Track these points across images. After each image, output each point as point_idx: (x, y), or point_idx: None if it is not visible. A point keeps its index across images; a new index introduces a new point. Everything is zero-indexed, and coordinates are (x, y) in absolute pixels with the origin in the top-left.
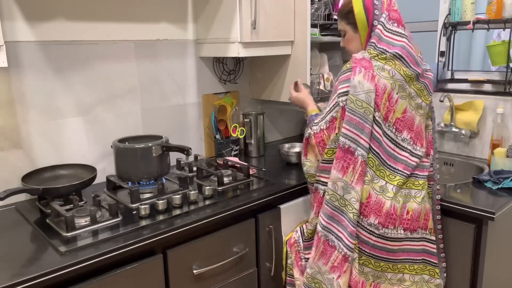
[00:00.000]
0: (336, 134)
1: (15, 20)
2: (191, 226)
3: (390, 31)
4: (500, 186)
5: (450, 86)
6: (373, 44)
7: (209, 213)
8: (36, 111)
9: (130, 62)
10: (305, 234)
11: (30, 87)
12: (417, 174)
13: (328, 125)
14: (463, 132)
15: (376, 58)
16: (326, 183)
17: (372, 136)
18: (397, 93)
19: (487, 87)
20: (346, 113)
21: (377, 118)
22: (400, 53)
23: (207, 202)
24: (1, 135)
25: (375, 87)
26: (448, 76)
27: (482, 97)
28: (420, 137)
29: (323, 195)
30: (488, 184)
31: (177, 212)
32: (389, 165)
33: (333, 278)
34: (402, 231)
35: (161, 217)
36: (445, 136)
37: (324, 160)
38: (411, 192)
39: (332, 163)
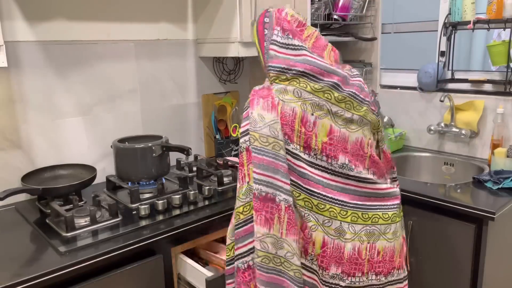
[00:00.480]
0: (248, 183)
1: (15, 20)
2: (191, 226)
3: (285, 46)
4: (500, 186)
5: (450, 86)
6: (270, 67)
7: (209, 213)
8: (36, 111)
9: (130, 62)
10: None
11: (30, 87)
12: (382, 205)
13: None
14: (463, 132)
15: (276, 81)
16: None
17: (295, 173)
18: (312, 114)
19: (487, 87)
20: (253, 154)
21: (293, 150)
22: (301, 69)
23: (207, 202)
24: (1, 135)
25: (280, 115)
26: (448, 76)
27: (482, 97)
28: (362, 157)
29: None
30: (489, 184)
31: (177, 212)
32: (335, 200)
33: None
34: (374, 277)
35: (161, 217)
36: (445, 136)
37: (241, 223)
38: (378, 228)
39: (249, 223)
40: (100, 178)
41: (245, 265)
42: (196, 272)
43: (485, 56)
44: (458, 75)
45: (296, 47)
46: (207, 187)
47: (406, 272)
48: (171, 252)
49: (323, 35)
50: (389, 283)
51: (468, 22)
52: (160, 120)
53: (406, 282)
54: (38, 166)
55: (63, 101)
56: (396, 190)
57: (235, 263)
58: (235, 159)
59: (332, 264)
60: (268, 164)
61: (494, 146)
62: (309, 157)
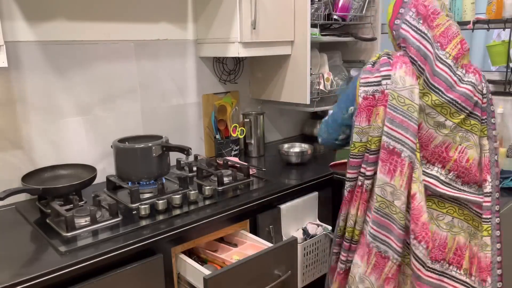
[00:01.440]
0: (376, 121)
1: (15, 20)
2: (191, 226)
3: (414, 28)
4: (500, 186)
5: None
6: (404, 48)
7: (209, 213)
8: (36, 111)
9: (130, 62)
10: (336, 231)
11: (30, 87)
12: (453, 198)
13: (368, 96)
14: None
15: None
16: (371, 176)
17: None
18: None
19: None
20: (388, 110)
21: None
22: (413, 56)
23: (207, 202)
24: (1, 135)
25: None
26: None
27: None
28: (444, 159)
29: (366, 190)
30: None
31: (177, 212)
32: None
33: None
34: (423, 251)
35: (161, 217)
36: None
37: (371, 151)
38: (430, 212)
39: (377, 154)
40: (100, 178)
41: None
42: (196, 272)
43: (485, 56)
44: None
45: (420, 33)
46: (207, 187)
47: (477, 285)
48: (171, 252)
49: (322, 35)
50: (437, 273)
51: (468, 22)
52: (160, 120)
53: None
54: (38, 166)
55: (63, 101)
56: (473, 198)
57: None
58: (235, 159)
59: (413, 219)
60: (401, 122)
61: None
62: None
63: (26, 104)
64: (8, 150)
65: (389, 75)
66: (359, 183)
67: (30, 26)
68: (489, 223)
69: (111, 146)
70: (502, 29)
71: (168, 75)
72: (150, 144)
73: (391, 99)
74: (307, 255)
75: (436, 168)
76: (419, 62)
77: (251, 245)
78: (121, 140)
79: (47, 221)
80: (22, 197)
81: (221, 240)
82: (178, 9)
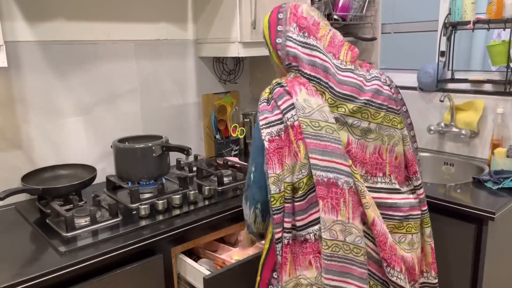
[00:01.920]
0: (300, 160)
1: (15, 20)
2: (191, 226)
3: (301, 44)
4: (500, 186)
5: (450, 86)
6: (296, 67)
7: (209, 213)
8: (36, 111)
9: (130, 62)
10: None
11: (30, 87)
12: (397, 215)
13: (274, 138)
14: (463, 132)
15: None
16: (305, 225)
17: None
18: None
19: (487, 87)
20: (306, 140)
21: None
22: (310, 73)
23: (207, 202)
24: (1, 135)
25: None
26: (448, 76)
27: (482, 97)
28: (380, 165)
29: (315, 239)
30: (488, 184)
31: (177, 212)
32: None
33: None
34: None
35: (161, 217)
36: (445, 136)
37: (296, 197)
38: (394, 237)
39: (306, 198)
40: (100, 178)
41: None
42: (196, 272)
43: (485, 56)
44: (458, 75)
45: (309, 47)
46: (207, 187)
47: (433, 279)
48: (171, 252)
49: None
50: None
51: (468, 22)
52: (160, 120)
53: None
54: (38, 166)
55: (63, 101)
56: (411, 201)
57: (287, 235)
58: (235, 159)
59: (380, 245)
60: (324, 148)
61: (494, 146)
62: None
63: (26, 104)
64: (8, 150)
65: (292, 105)
66: (301, 238)
67: (30, 26)
68: (427, 213)
69: (111, 146)
70: (502, 29)
71: (168, 75)
72: (150, 144)
73: (305, 127)
74: None
75: (379, 178)
76: (319, 77)
77: (252, 245)
78: (121, 140)
79: (47, 221)
80: (22, 197)
81: (221, 240)
82: (178, 9)
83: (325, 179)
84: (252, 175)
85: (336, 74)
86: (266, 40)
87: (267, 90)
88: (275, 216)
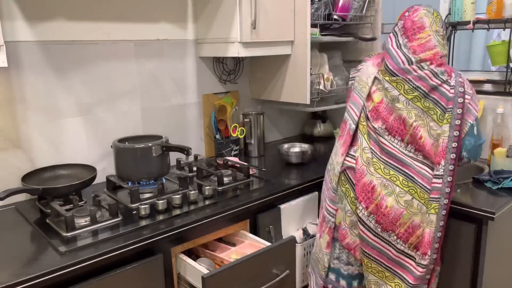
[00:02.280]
0: None
1: (15, 20)
2: (191, 226)
3: (396, 38)
4: (500, 186)
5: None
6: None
7: (209, 213)
8: (36, 111)
9: (130, 62)
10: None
11: (30, 87)
12: (404, 171)
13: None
14: None
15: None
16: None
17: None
18: (375, 86)
19: (487, 87)
20: (351, 93)
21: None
22: (384, 44)
23: (207, 202)
24: (1, 135)
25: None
26: None
27: (482, 97)
28: (402, 132)
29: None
30: (488, 184)
31: (177, 212)
32: (368, 147)
33: (316, 237)
34: (374, 221)
35: (161, 217)
36: None
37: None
38: (392, 186)
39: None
40: (100, 178)
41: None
42: (196, 272)
43: (485, 56)
44: None
45: (398, 43)
46: (207, 187)
47: (422, 258)
48: (171, 252)
49: (322, 35)
50: (385, 241)
51: (468, 22)
52: (160, 120)
53: (419, 267)
54: (38, 166)
55: (63, 101)
56: (424, 171)
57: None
58: (235, 159)
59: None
60: (354, 100)
61: (494, 146)
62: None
63: (26, 104)
64: (8, 150)
65: (357, 70)
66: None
67: (30, 26)
68: (437, 202)
69: (111, 146)
70: (502, 29)
71: (168, 75)
72: (150, 144)
73: (356, 83)
74: (307, 255)
75: (396, 140)
76: (384, 58)
77: (250, 244)
78: (121, 140)
79: (47, 221)
80: (22, 197)
81: (220, 240)
82: (178, 9)
83: (345, 119)
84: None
85: (398, 59)
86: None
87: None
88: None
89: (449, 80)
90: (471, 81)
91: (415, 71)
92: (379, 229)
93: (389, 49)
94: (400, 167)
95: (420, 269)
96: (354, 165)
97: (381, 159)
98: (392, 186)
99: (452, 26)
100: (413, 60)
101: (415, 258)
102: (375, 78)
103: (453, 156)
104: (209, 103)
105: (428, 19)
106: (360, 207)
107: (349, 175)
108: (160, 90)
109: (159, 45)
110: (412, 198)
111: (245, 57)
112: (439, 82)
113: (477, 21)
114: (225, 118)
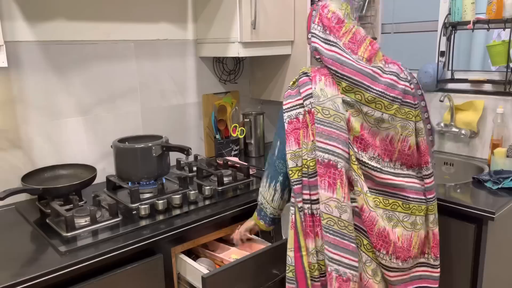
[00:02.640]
0: (313, 141)
1: (15, 20)
2: (191, 226)
3: (324, 41)
4: (500, 186)
5: (450, 86)
6: (319, 60)
7: (209, 213)
8: (36, 111)
9: (130, 62)
10: (309, 270)
11: (30, 87)
12: (402, 195)
13: (292, 120)
14: (463, 132)
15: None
16: (317, 200)
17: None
18: (346, 111)
19: (487, 87)
20: (316, 125)
21: None
22: (330, 66)
23: (207, 202)
24: (1, 135)
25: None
26: (448, 76)
27: (482, 97)
28: (390, 152)
29: (319, 215)
30: (488, 184)
31: (177, 212)
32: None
33: None
34: (395, 260)
35: (161, 217)
36: (445, 136)
37: (309, 174)
38: (396, 215)
39: (315, 177)
40: (100, 178)
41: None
42: (196, 272)
43: (485, 56)
44: (458, 75)
45: (329, 43)
46: (207, 187)
47: (433, 261)
48: (171, 252)
49: None
50: (404, 270)
51: (468, 22)
52: (160, 120)
53: (434, 269)
54: (38, 166)
55: (63, 101)
56: (415, 185)
57: (306, 206)
58: (235, 159)
59: (367, 230)
60: (329, 134)
61: (494, 146)
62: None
63: (26, 104)
64: (8, 150)
65: (311, 93)
66: (308, 211)
67: (30, 26)
68: (434, 201)
69: (111, 146)
70: (502, 29)
71: (168, 75)
72: (150, 144)
73: (316, 113)
74: None
75: (385, 163)
76: (335, 69)
77: (250, 244)
78: (121, 140)
79: (47, 221)
80: (22, 197)
81: (220, 239)
82: (178, 9)
83: (326, 160)
84: (277, 149)
85: (352, 64)
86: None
87: (294, 79)
88: (295, 187)
89: (406, 77)
90: (471, 81)
91: (381, 76)
92: (400, 263)
93: (333, 56)
94: (396, 192)
95: (437, 270)
96: (357, 210)
97: (378, 192)
98: (395, 215)
99: (452, 26)
100: (362, 62)
101: (426, 264)
102: (344, 102)
103: (432, 150)
104: (209, 103)
105: (340, 11)
106: (381, 254)
107: (356, 223)
108: (160, 90)
109: (159, 45)
110: (416, 217)
111: (245, 57)
112: (406, 84)
113: (477, 21)
114: (225, 118)
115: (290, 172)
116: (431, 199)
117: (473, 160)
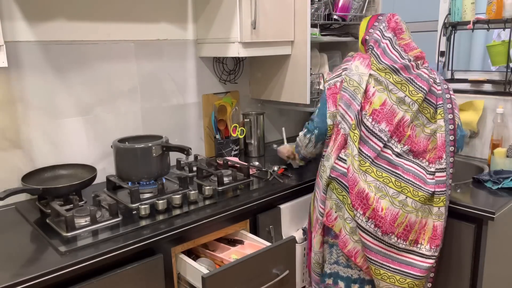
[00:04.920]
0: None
1: (15, 20)
2: (191, 226)
3: (383, 36)
4: (500, 186)
5: (450, 86)
6: (371, 48)
7: (209, 213)
8: (36, 111)
9: (130, 62)
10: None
11: (30, 87)
12: (396, 173)
13: (331, 86)
14: None
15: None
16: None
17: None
18: (373, 87)
19: (487, 87)
20: (341, 92)
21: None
22: (372, 45)
23: (207, 202)
24: (2, 135)
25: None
26: (448, 76)
27: (482, 97)
28: (400, 133)
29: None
30: (488, 184)
31: (177, 212)
32: (363, 152)
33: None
34: (372, 226)
35: (161, 217)
36: None
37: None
38: (385, 188)
39: None
40: (100, 178)
41: None
42: (196, 272)
43: (485, 56)
44: (457, 75)
45: (385, 37)
46: (207, 187)
47: (425, 251)
48: (171, 252)
49: (322, 35)
50: (385, 243)
51: (468, 22)
52: (160, 120)
53: (426, 259)
54: (38, 166)
55: (63, 101)
56: (415, 171)
57: None
58: (235, 159)
59: (349, 189)
60: (347, 100)
61: (494, 146)
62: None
63: (26, 104)
64: (8, 150)
65: (346, 68)
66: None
67: (30, 26)
68: (444, 194)
69: (111, 146)
70: (502, 29)
71: (168, 75)
72: (150, 144)
73: (344, 82)
74: (306, 255)
75: (393, 141)
76: (379, 54)
77: (250, 244)
78: (121, 140)
79: (47, 221)
80: (22, 197)
81: (221, 239)
82: (178, 9)
83: (337, 121)
84: (317, 109)
85: (392, 56)
86: (360, 30)
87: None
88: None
89: (435, 78)
90: (471, 81)
91: (414, 69)
92: (380, 233)
93: (384, 48)
94: (391, 169)
95: (430, 261)
96: (345, 171)
97: (374, 164)
98: (385, 189)
99: (452, 26)
100: (406, 58)
101: (417, 253)
102: (374, 78)
103: (451, 148)
104: (209, 103)
105: (404, 24)
106: (358, 214)
107: (344, 182)
108: (160, 90)
109: (159, 45)
110: (406, 198)
111: (245, 57)
112: (432, 81)
113: (477, 21)
114: (225, 118)
115: (328, 129)
116: (440, 193)
117: (473, 160)
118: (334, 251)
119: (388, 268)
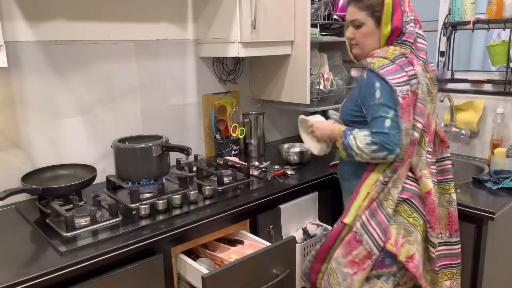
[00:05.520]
0: (410, 121)
1: (15, 20)
2: (191, 226)
3: (419, 35)
4: (500, 186)
5: (450, 86)
6: (409, 44)
7: (209, 213)
8: (36, 111)
9: (130, 62)
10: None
11: (30, 87)
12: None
13: (405, 95)
14: (463, 132)
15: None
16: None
17: None
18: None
19: (487, 87)
20: (417, 104)
21: None
22: (422, 56)
23: (207, 202)
24: (1, 135)
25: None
26: (448, 76)
27: (482, 97)
28: (429, 132)
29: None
30: (488, 184)
31: (177, 212)
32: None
33: (348, 273)
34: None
35: (161, 217)
36: None
37: None
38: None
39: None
40: (100, 178)
41: None
42: (196, 272)
43: (485, 56)
44: (458, 75)
45: (420, 36)
46: (207, 187)
47: (447, 239)
48: (171, 252)
49: (322, 35)
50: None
51: (468, 22)
52: (160, 120)
53: (453, 246)
54: (38, 166)
55: (63, 101)
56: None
57: None
58: (235, 159)
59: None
60: (421, 110)
61: (494, 146)
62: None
63: (26, 104)
64: (8, 150)
65: (415, 74)
66: None
67: (30, 26)
68: (452, 181)
69: (111, 146)
70: (502, 29)
71: (168, 75)
72: (150, 144)
73: (419, 93)
74: (307, 255)
75: (430, 148)
76: (424, 59)
77: (250, 244)
78: (121, 140)
79: (47, 221)
80: (22, 197)
81: (220, 239)
82: (178, 9)
83: (414, 138)
84: (391, 121)
85: (424, 57)
86: (387, 13)
87: (384, 59)
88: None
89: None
90: (471, 81)
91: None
92: (446, 236)
93: (420, 47)
94: (434, 179)
95: (456, 247)
96: (417, 190)
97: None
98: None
99: (452, 26)
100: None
101: (445, 242)
102: (425, 83)
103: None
104: (209, 103)
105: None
106: (435, 234)
107: (416, 204)
108: (160, 90)
109: (159, 45)
110: (449, 195)
111: (245, 57)
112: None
113: (477, 21)
114: (225, 118)
115: (404, 148)
116: (449, 180)
117: (473, 160)
118: (391, 281)
119: (452, 265)
